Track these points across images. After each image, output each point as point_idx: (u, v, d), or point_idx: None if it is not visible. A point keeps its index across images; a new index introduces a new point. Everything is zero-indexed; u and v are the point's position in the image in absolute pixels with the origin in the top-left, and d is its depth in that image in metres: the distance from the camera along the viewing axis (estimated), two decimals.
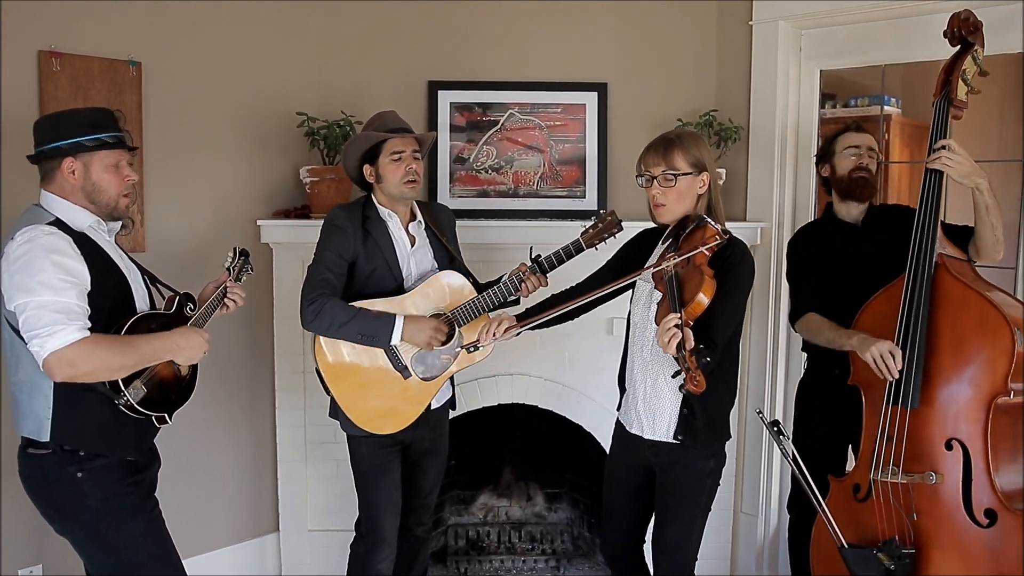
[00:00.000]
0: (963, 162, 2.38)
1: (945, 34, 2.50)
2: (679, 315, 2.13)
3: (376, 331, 2.55)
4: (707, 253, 2.27)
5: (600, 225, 2.61)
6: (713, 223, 2.32)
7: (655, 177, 2.37)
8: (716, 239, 2.28)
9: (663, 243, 2.48)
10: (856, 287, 2.64)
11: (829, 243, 2.83)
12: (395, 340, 2.57)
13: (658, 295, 2.33)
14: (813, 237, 2.90)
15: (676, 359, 2.12)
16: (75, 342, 1.99)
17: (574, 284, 2.62)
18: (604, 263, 2.64)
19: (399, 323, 2.56)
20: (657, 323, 2.25)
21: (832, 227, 2.87)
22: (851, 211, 2.84)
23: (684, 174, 2.35)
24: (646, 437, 2.45)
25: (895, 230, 2.58)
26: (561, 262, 2.64)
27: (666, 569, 2.48)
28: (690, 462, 2.41)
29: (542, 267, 2.64)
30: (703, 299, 2.18)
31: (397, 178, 2.64)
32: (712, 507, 2.52)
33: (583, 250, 2.62)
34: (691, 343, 2.10)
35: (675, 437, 2.39)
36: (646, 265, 2.46)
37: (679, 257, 2.28)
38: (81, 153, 2.17)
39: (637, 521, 2.59)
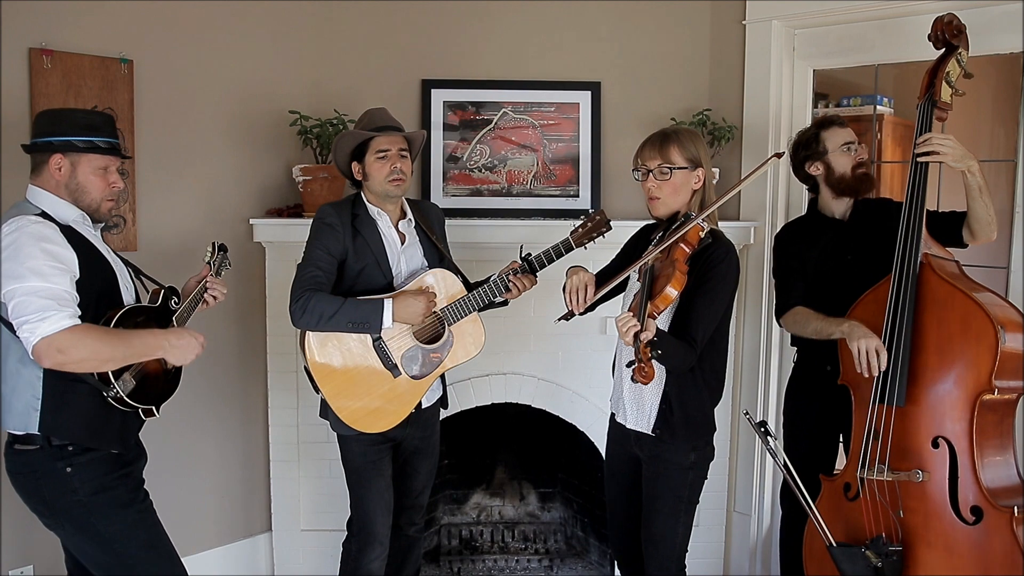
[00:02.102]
0: (955, 146, 2.42)
1: (929, 37, 2.54)
2: (644, 307, 2.19)
3: (367, 317, 2.54)
4: (686, 249, 2.30)
5: (589, 224, 2.62)
6: (700, 220, 2.35)
7: (651, 170, 2.41)
8: (698, 235, 2.32)
9: (655, 237, 2.52)
10: (846, 284, 2.64)
11: (816, 240, 2.82)
12: (387, 323, 2.54)
13: (638, 286, 2.37)
14: (800, 234, 2.89)
15: (633, 349, 2.16)
16: (66, 329, 2.00)
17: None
18: (612, 259, 2.67)
19: (388, 305, 2.54)
20: (630, 307, 2.30)
21: (817, 224, 2.86)
22: (840, 207, 2.82)
23: (679, 168, 2.39)
24: (629, 427, 2.50)
25: (881, 224, 2.59)
26: (551, 261, 2.64)
27: (654, 561, 2.50)
28: (671, 456, 2.45)
29: (532, 266, 2.65)
30: (671, 292, 2.22)
31: (382, 176, 2.64)
32: (704, 505, 2.54)
33: (572, 249, 2.63)
34: (648, 334, 2.13)
35: (653, 431, 2.43)
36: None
37: (658, 250, 2.30)
38: (70, 152, 2.19)
39: (636, 515, 2.60)
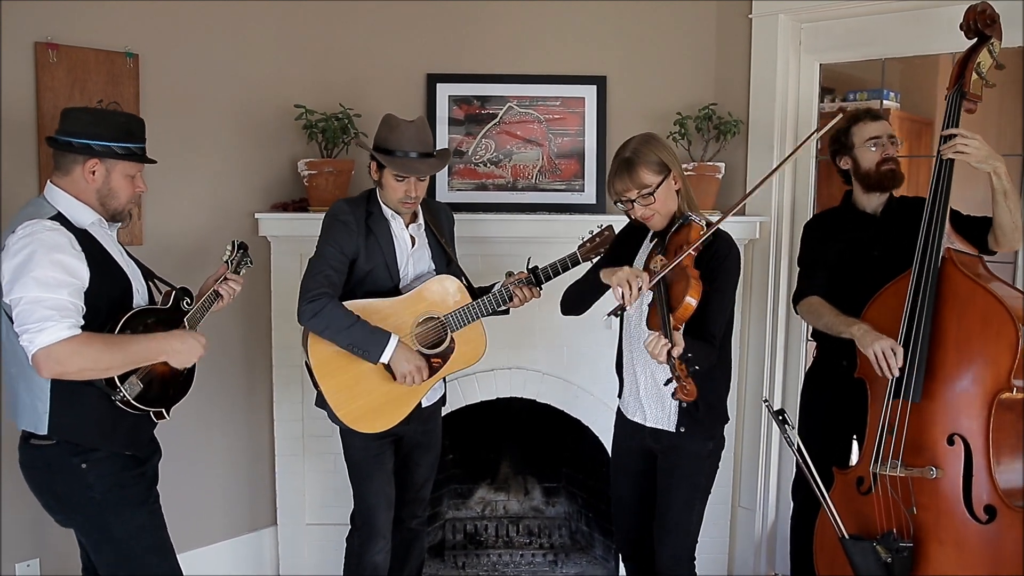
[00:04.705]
0: (980, 146, 2.37)
1: (961, 26, 2.48)
2: (668, 322, 2.17)
3: (369, 346, 2.54)
4: (693, 253, 2.29)
5: (597, 240, 2.65)
6: (696, 219, 2.35)
7: (633, 200, 2.37)
8: (701, 237, 2.30)
9: (650, 240, 2.50)
10: (871, 279, 2.61)
11: (846, 234, 2.79)
12: (384, 359, 2.55)
13: (649, 295, 2.34)
14: (830, 225, 2.87)
15: (669, 367, 2.15)
16: (64, 339, 1.98)
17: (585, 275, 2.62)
18: (599, 257, 2.66)
19: (392, 344, 2.54)
20: (649, 326, 2.28)
21: (850, 217, 2.83)
22: (872, 202, 2.80)
23: (658, 185, 2.36)
24: (648, 425, 2.50)
25: (913, 222, 2.53)
26: (557, 274, 2.67)
27: (666, 551, 2.51)
28: (690, 446, 2.46)
29: (537, 278, 2.66)
30: (691, 302, 2.20)
31: (396, 196, 2.64)
32: (708, 500, 2.54)
33: (579, 263, 2.66)
34: (680, 348, 2.12)
35: (678, 428, 2.43)
36: (635, 265, 2.48)
37: (670, 263, 2.27)
38: (108, 158, 2.17)
39: (644, 508, 2.61)
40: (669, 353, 2.11)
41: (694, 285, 2.21)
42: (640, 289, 2.25)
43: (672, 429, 2.44)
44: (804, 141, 2.62)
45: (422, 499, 2.96)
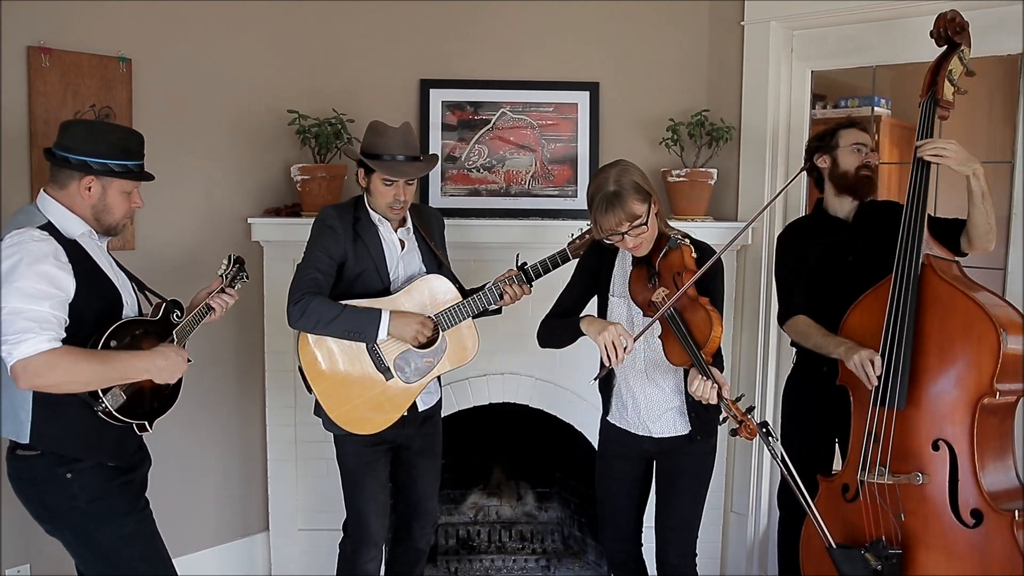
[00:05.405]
0: (958, 150, 2.41)
1: (931, 34, 2.51)
2: (702, 360, 2.22)
3: (362, 327, 2.54)
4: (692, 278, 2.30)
5: (587, 236, 2.65)
6: (684, 241, 2.35)
7: (626, 233, 2.35)
8: (694, 257, 2.32)
9: (632, 264, 2.48)
10: (846, 284, 2.64)
11: (819, 240, 2.82)
12: (382, 335, 2.55)
13: (658, 327, 2.36)
14: (803, 234, 2.89)
15: (719, 407, 2.23)
16: (43, 352, 1.96)
17: (559, 306, 2.62)
18: (571, 279, 2.65)
19: (385, 318, 2.55)
20: (672, 360, 2.33)
21: (822, 223, 2.86)
22: (844, 207, 2.82)
23: (647, 213, 2.35)
24: (655, 436, 2.52)
25: (885, 226, 2.58)
26: (547, 271, 2.68)
27: (674, 548, 2.54)
28: (696, 445, 2.51)
29: (527, 276, 2.67)
30: (718, 334, 2.25)
31: (384, 202, 2.64)
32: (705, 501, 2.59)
33: (568, 260, 2.66)
34: (727, 387, 2.20)
35: (694, 438, 2.48)
36: (617, 292, 2.51)
37: (674, 293, 2.27)
38: (105, 176, 2.16)
39: (637, 513, 2.64)
40: (719, 395, 2.19)
41: (714, 316, 2.26)
42: (626, 350, 2.29)
43: (678, 434, 2.49)
44: (796, 175, 2.65)
45: (431, 512, 2.93)
